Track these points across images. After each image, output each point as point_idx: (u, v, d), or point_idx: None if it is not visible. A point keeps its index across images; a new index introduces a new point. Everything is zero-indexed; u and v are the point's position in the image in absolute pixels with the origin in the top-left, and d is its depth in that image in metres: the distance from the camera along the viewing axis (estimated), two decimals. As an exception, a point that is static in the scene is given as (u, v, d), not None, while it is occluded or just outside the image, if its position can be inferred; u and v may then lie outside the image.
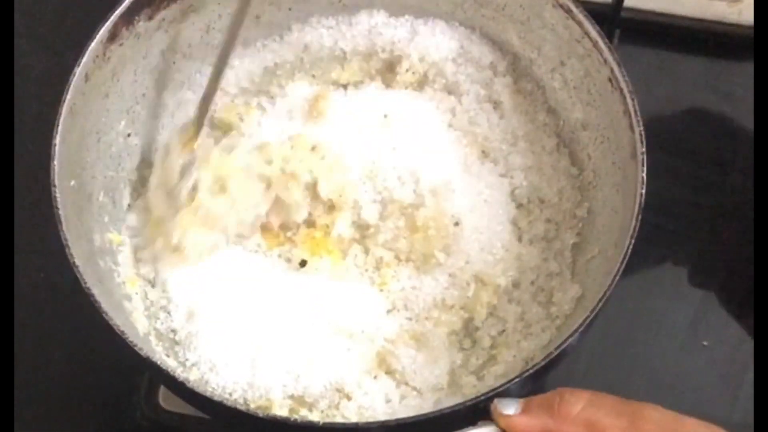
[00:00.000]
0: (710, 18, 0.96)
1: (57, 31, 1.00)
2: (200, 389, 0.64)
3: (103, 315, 0.65)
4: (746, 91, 0.91)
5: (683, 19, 0.97)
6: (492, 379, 0.73)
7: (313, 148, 0.80)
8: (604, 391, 0.59)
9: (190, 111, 0.83)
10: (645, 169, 0.69)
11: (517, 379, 0.63)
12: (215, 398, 0.64)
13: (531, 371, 0.63)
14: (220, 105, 0.83)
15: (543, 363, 0.64)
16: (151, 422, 0.81)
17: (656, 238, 0.88)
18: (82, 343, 0.84)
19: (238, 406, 0.63)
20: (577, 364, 0.84)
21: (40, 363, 0.84)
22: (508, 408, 0.60)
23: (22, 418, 0.78)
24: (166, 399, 0.81)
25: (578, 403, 0.57)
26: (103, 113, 0.76)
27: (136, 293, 0.76)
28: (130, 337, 0.65)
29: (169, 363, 0.73)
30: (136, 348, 0.64)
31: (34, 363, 0.84)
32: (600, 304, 0.65)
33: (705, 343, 0.85)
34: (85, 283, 0.65)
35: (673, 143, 0.92)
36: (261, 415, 0.63)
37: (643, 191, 0.68)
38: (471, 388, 0.73)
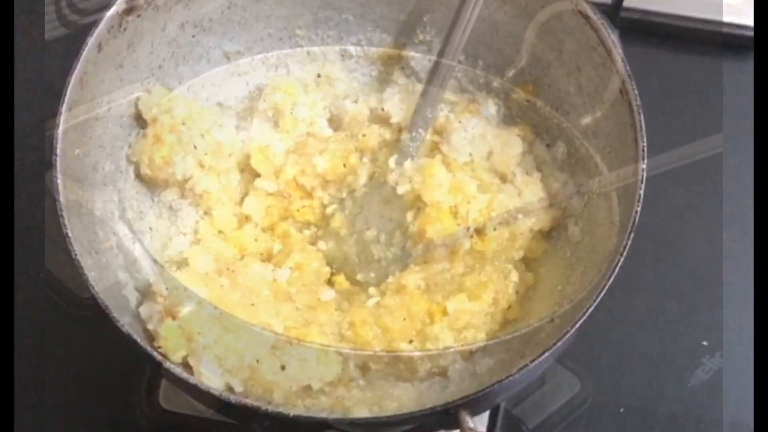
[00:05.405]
0: (710, 18, 0.96)
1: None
2: (176, 372, 0.64)
3: (90, 286, 0.64)
4: (746, 91, 0.91)
5: (683, 19, 0.96)
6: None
7: None
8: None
9: (207, 83, 0.83)
10: (643, 186, 0.68)
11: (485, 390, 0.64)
12: (193, 381, 0.64)
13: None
14: None
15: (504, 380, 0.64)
16: (151, 422, 0.81)
17: (656, 237, 0.88)
18: (82, 344, 0.84)
19: (214, 392, 0.64)
20: (575, 365, 0.84)
21: (40, 363, 0.84)
22: None
23: (22, 418, 0.79)
24: (166, 399, 0.81)
25: None
26: (116, 83, 0.76)
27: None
28: (113, 312, 0.65)
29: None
30: (118, 324, 0.64)
31: (34, 363, 0.84)
32: (581, 319, 0.65)
33: (705, 343, 0.85)
34: (75, 254, 0.65)
35: (673, 143, 0.92)
36: (233, 401, 0.63)
37: (639, 209, 0.67)
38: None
